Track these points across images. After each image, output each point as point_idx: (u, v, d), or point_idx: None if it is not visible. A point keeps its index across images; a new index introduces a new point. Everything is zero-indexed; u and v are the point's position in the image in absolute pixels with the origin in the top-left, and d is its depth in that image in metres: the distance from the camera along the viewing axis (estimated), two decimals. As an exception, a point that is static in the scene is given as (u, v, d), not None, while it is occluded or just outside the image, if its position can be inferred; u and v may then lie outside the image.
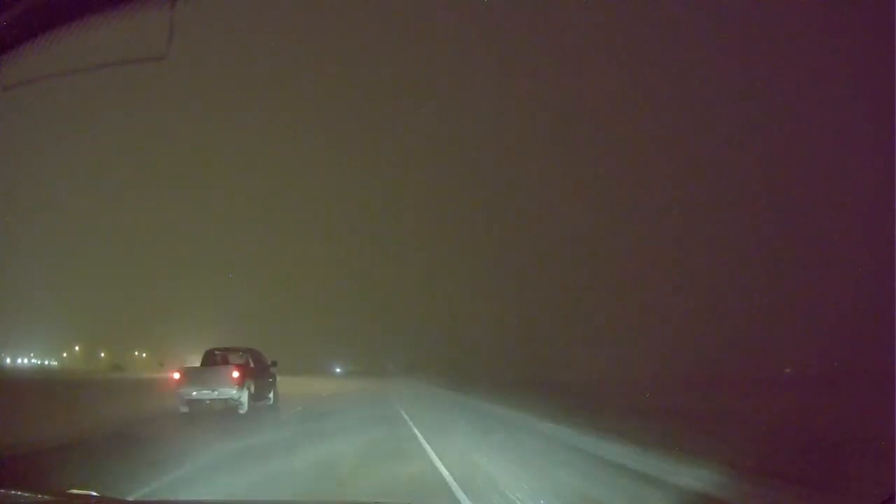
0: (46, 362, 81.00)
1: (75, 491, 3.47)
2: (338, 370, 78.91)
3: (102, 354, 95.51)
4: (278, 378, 19.10)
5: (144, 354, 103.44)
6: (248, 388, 15.55)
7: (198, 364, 17.45)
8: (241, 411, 15.25)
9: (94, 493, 3.23)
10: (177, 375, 15.76)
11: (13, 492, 3.00)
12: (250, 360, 16.93)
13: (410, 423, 14.03)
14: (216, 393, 15.06)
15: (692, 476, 7.00)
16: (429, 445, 10.11)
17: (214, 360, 17.20)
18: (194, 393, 15.07)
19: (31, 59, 3.22)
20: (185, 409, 15.03)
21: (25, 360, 77.95)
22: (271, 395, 18.01)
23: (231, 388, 15.08)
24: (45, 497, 3.19)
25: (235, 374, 15.22)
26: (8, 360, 77.16)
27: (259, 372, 17.04)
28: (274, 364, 18.58)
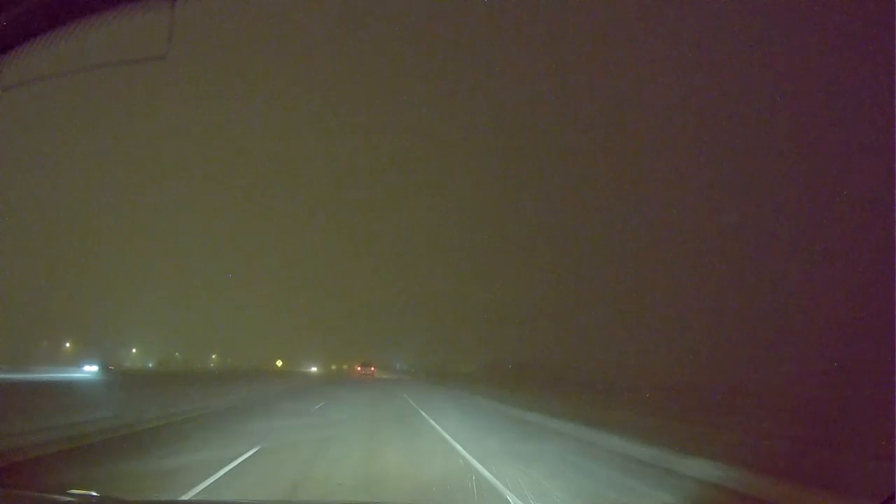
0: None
1: (75, 491, 3.47)
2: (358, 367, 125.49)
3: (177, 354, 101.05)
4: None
5: (214, 356, 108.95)
6: (374, 370, 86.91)
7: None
8: (373, 377, 74.67)
9: (94, 493, 3.23)
10: (358, 367, 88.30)
11: (14, 491, 3.00)
12: (372, 361, 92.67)
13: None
14: (367, 372, 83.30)
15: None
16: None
17: (366, 362, 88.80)
18: (362, 373, 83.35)
19: (31, 59, 3.22)
20: (357, 376, 76.80)
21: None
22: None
23: (370, 371, 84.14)
24: (45, 497, 3.20)
25: (372, 368, 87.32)
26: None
27: (374, 365, 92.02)
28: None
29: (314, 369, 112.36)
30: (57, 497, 3.27)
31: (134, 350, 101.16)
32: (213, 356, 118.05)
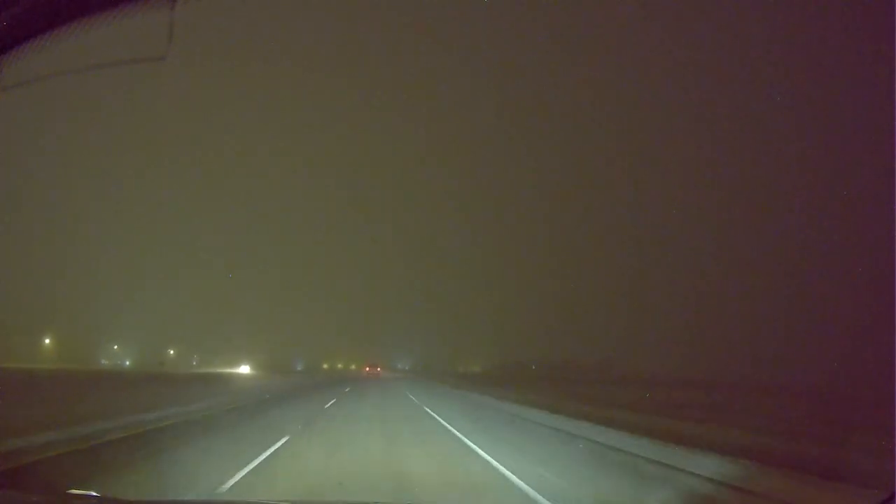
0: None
1: (75, 491, 3.46)
2: (353, 366, 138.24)
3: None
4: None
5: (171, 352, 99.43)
6: (380, 371, 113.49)
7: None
8: (379, 378, 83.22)
9: (94, 493, 3.22)
10: (367, 368, 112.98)
11: (13, 492, 2.99)
12: (378, 362, 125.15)
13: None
14: (373, 371, 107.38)
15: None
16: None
17: (373, 364, 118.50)
18: (370, 372, 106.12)
19: (31, 59, 3.22)
20: (366, 375, 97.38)
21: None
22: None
23: (377, 370, 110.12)
24: (46, 497, 3.19)
25: (378, 368, 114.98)
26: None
27: (379, 366, 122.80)
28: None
29: (245, 369, 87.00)
30: (57, 497, 3.26)
31: (47, 340, 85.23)
32: (171, 351, 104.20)
